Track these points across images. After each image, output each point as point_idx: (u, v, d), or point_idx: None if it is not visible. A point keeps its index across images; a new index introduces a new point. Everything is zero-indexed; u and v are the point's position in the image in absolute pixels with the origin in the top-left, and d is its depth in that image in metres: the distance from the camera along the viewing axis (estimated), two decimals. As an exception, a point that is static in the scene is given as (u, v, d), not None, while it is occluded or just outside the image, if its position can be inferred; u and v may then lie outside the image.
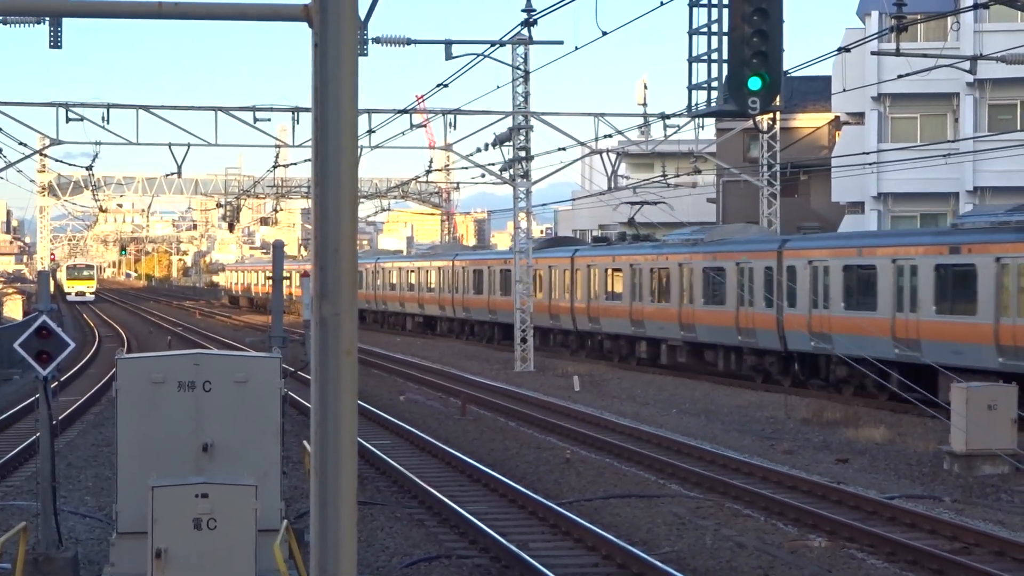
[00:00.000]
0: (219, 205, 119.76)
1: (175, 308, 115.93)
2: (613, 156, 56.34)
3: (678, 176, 59.70)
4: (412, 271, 77.22)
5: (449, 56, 44.27)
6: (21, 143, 56.31)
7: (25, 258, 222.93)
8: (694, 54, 18.19)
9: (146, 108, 52.34)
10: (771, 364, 41.68)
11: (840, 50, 36.95)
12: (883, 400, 36.01)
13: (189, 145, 55.65)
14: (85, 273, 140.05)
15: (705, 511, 21.77)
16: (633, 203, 56.06)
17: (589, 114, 53.14)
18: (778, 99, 18.19)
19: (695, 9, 17.98)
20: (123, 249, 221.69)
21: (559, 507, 21.18)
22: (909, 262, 35.23)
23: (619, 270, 51.16)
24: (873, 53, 44.77)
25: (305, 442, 20.07)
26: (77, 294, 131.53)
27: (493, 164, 55.80)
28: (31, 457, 26.69)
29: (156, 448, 14.15)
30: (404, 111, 52.06)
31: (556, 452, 28.50)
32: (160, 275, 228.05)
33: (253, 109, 51.89)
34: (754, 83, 17.09)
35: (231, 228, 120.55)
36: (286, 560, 13.29)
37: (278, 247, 19.30)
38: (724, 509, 21.93)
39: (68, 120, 51.10)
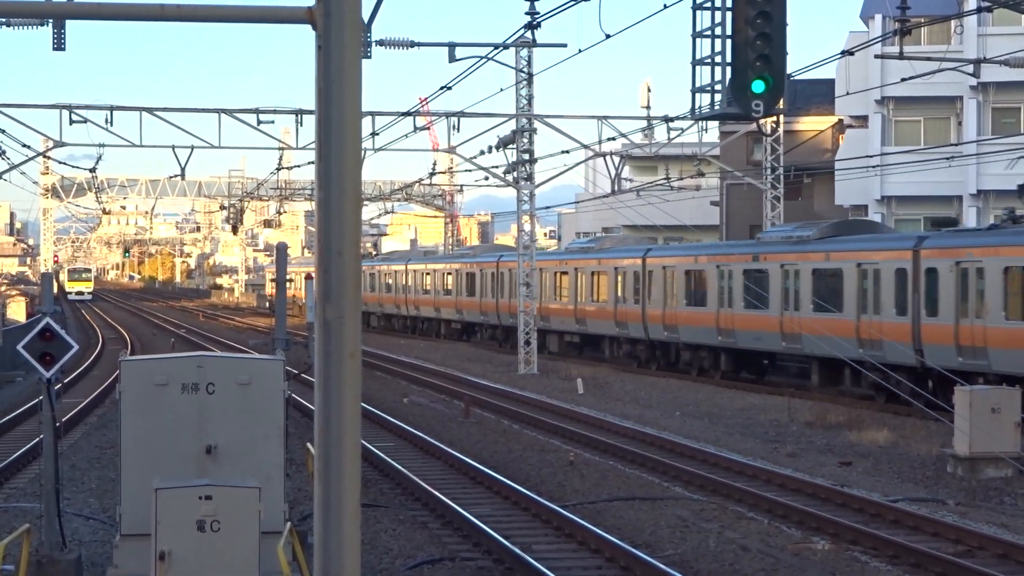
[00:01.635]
0: (222, 207, 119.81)
1: (178, 310, 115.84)
2: (617, 159, 56.28)
3: (681, 179, 59.70)
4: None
5: (452, 59, 44.22)
6: (24, 145, 56.59)
7: (28, 260, 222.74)
8: (697, 57, 18.16)
9: (149, 110, 52.37)
10: None
11: (844, 53, 36.89)
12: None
13: (192, 147, 55.73)
14: (84, 275, 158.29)
15: (709, 514, 21.76)
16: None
17: (593, 117, 53.04)
18: (781, 102, 18.17)
19: (698, 12, 17.94)
20: (126, 251, 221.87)
21: (563, 509, 21.17)
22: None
23: None
24: (877, 56, 44.64)
25: (309, 444, 20.06)
26: (77, 293, 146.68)
27: (497, 167, 55.80)
28: (35, 459, 26.72)
29: (160, 450, 14.16)
30: (408, 113, 52.03)
31: (560, 455, 28.48)
32: (164, 278, 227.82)
33: (256, 111, 51.92)
34: (757, 86, 17.08)
35: (235, 231, 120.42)
36: (290, 563, 13.29)
37: (281, 250, 19.29)
38: (728, 512, 21.91)
39: (71, 122, 51.16)
